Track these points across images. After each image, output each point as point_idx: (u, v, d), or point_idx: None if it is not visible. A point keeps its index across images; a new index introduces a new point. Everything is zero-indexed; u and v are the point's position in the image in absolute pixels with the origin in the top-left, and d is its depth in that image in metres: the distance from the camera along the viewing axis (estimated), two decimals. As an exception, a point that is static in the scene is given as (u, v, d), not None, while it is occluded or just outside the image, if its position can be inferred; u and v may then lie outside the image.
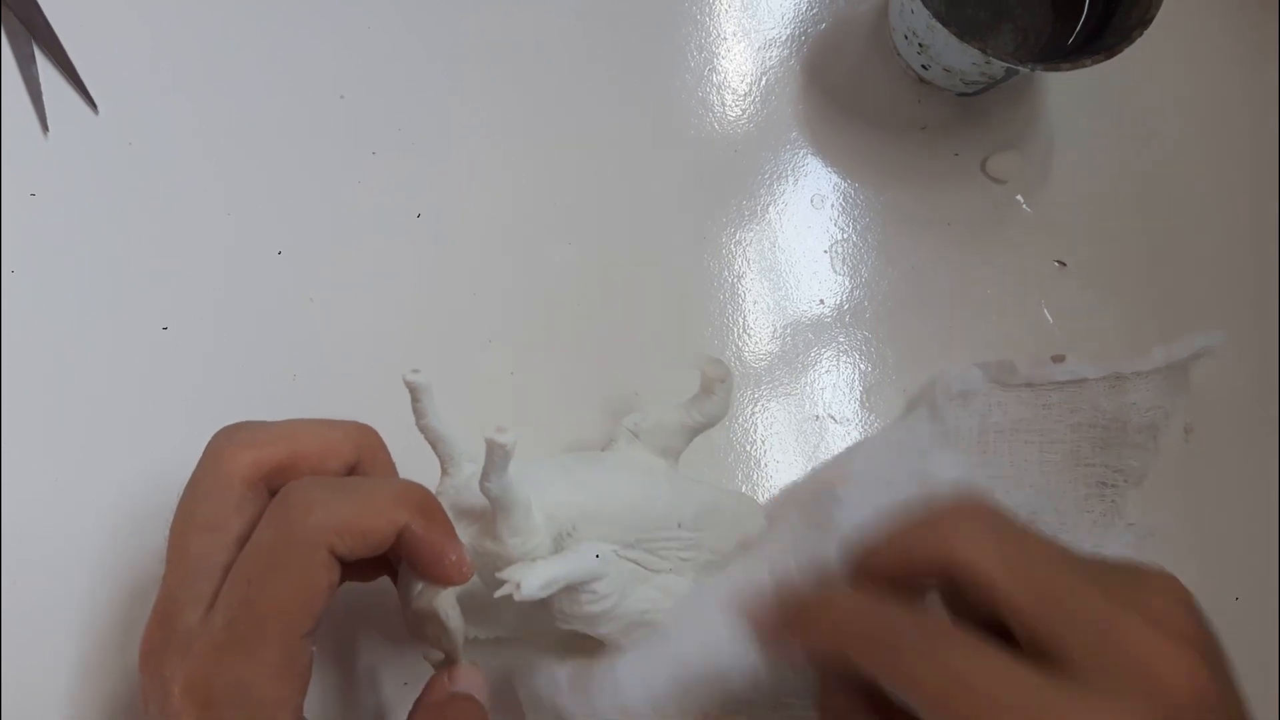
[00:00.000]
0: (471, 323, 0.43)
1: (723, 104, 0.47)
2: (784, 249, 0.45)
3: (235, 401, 0.39)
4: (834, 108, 0.48)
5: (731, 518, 0.36)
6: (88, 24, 0.45)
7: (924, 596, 0.32)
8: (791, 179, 0.46)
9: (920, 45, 0.45)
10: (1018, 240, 0.46)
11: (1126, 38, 0.41)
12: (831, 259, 0.46)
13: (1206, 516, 0.43)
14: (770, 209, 0.46)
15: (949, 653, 0.27)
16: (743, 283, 0.45)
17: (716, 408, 0.37)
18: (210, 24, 0.47)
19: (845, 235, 0.46)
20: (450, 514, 0.31)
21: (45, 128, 0.44)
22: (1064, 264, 0.46)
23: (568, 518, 0.32)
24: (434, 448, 0.33)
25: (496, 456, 0.29)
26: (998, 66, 0.42)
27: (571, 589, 0.30)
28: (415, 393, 0.31)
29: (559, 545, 0.32)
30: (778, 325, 0.44)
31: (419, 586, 0.31)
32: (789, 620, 0.32)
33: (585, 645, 0.34)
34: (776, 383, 0.44)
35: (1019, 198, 0.47)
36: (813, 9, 0.49)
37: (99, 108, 0.45)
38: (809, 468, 0.42)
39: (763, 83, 0.48)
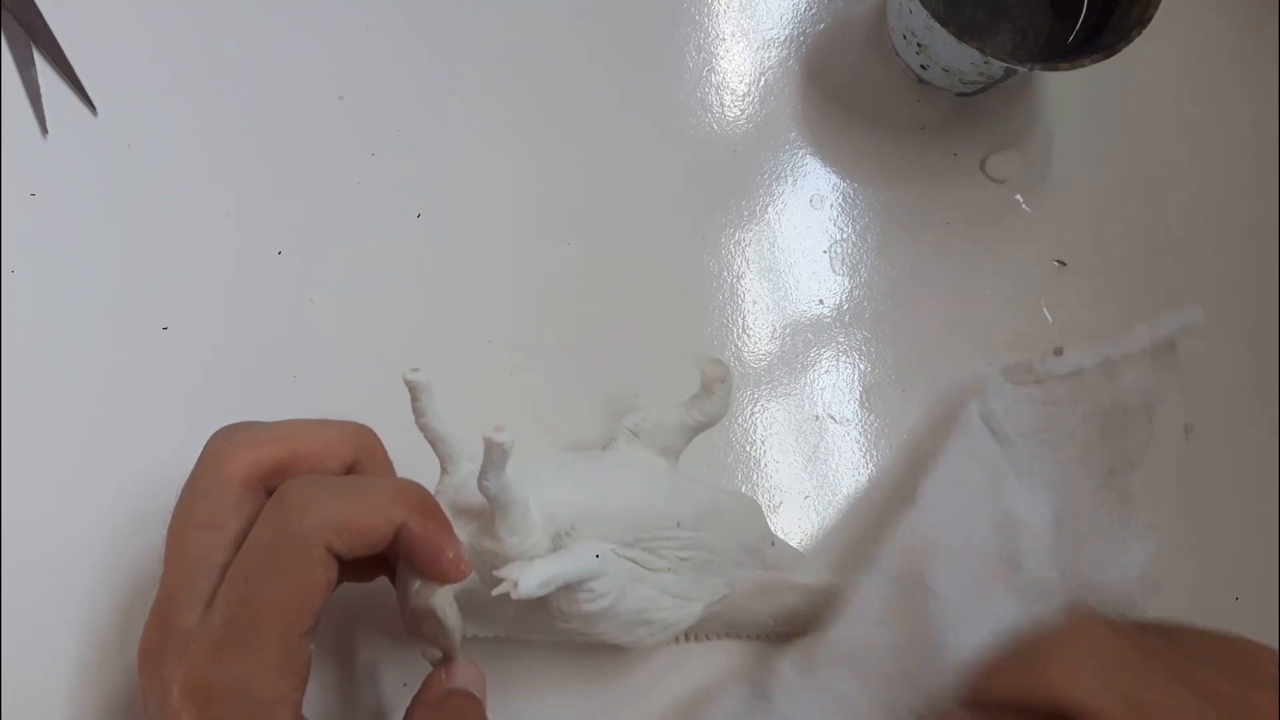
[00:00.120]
0: (471, 323, 0.43)
1: (722, 104, 0.47)
2: (783, 249, 0.45)
3: (235, 401, 0.39)
4: (833, 108, 0.48)
5: (731, 518, 0.36)
6: (87, 26, 0.46)
7: None
8: (790, 179, 0.46)
9: (919, 45, 0.45)
10: (1017, 240, 0.46)
11: (1125, 37, 0.41)
12: (831, 259, 0.46)
13: (1206, 516, 0.43)
14: (769, 209, 0.46)
15: None
16: (742, 283, 0.45)
17: (716, 407, 0.37)
18: (210, 24, 0.47)
19: (844, 235, 0.46)
20: (449, 512, 0.31)
21: (44, 129, 0.44)
22: (1063, 263, 0.46)
23: (566, 517, 0.32)
24: (433, 446, 0.33)
25: (494, 455, 0.29)
26: (996, 66, 0.42)
27: (570, 588, 0.30)
28: (415, 391, 0.31)
29: (557, 544, 0.32)
30: (777, 325, 0.44)
31: (416, 584, 0.31)
32: None
33: (585, 645, 0.35)
34: (776, 383, 0.44)
35: (1018, 197, 0.47)
36: (811, 9, 0.49)
37: (98, 108, 0.45)
38: (813, 468, 0.42)
39: (761, 83, 0.48)
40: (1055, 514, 0.38)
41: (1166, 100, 0.49)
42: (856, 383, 0.44)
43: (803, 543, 0.41)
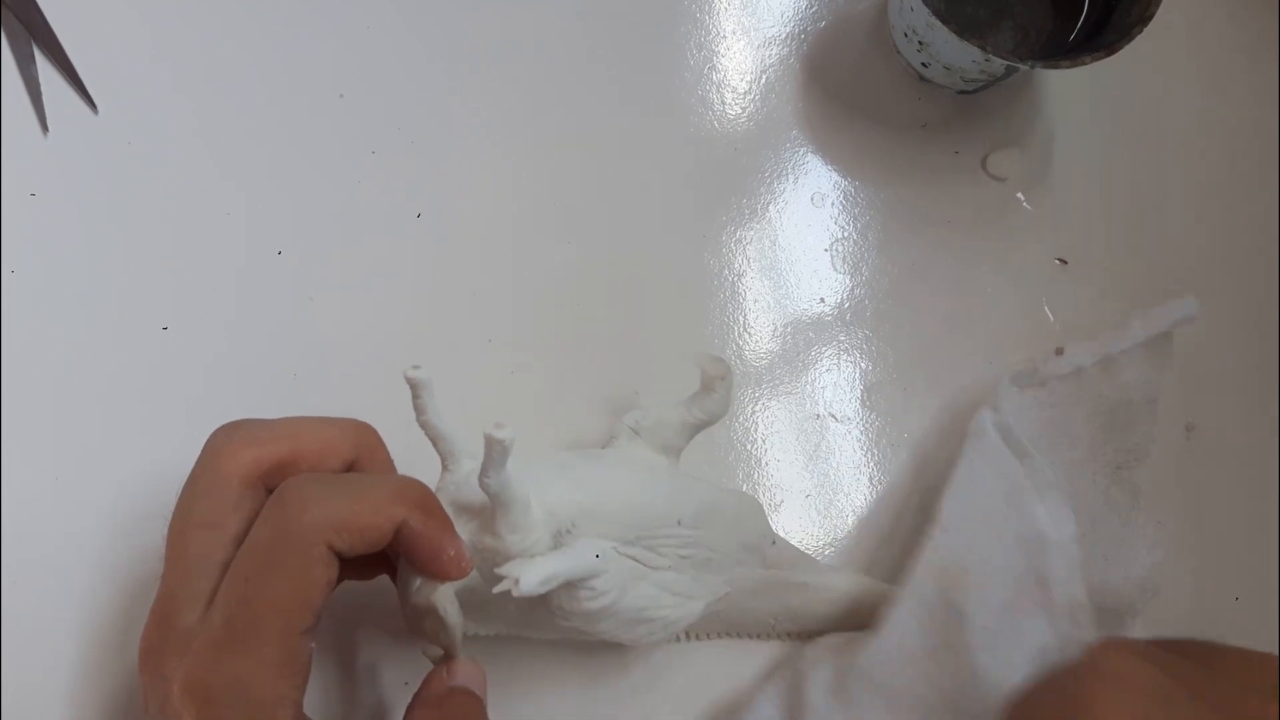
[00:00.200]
0: (471, 322, 0.43)
1: (722, 102, 0.47)
2: (784, 247, 0.45)
3: (235, 401, 0.39)
4: (834, 106, 0.47)
5: (732, 516, 0.36)
6: (88, 24, 0.46)
7: None
8: (791, 177, 0.46)
9: (920, 43, 0.45)
10: (1018, 238, 0.46)
11: (1126, 35, 0.41)
12: (832, 257, 0.46)
13: (1206, 516, 0.43)
14: (770, 207, 0.46)
15: None
16: (743, 281, 0.45)
17: (717, 405, 0.37)
18: (210, 24, 0.47)
19: (845, 233, 0.46)
20: (450, 510, 0.31)
21: (45, 128, 0.44)
22: (1065, 261, 0.46)
23: (567, 514, 0.32)
24: (434, 444, 0.33)
25: (495, 452, 0.29)
26: (998, 64, 0.42)
27: (570, 586, 0.30)
28: (416, 389, 0.31)
29: (558, 542, 0.32)
30: (778, 324, 0.44)
31: (417, 582, 0.31)
32: None
33: (585, 643, 0.35)
34: (777, 381, 0.44)
35: (1019, 195, 0.47)
36: (812, 7, 0.49)
37: (99, 108, 0.45)
38: (814, 467, 0.42)
39: (762, 81, 0.48)
40: (1077, 529, 0.38)
41: (1168, 98, 0.49)
42: (858, 381, 0.44)
43: (804, 541, 0.41)
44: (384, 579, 0.34)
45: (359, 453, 0.32)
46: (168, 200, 0.44)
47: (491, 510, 0.31)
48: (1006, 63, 0.41)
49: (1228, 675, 0.29)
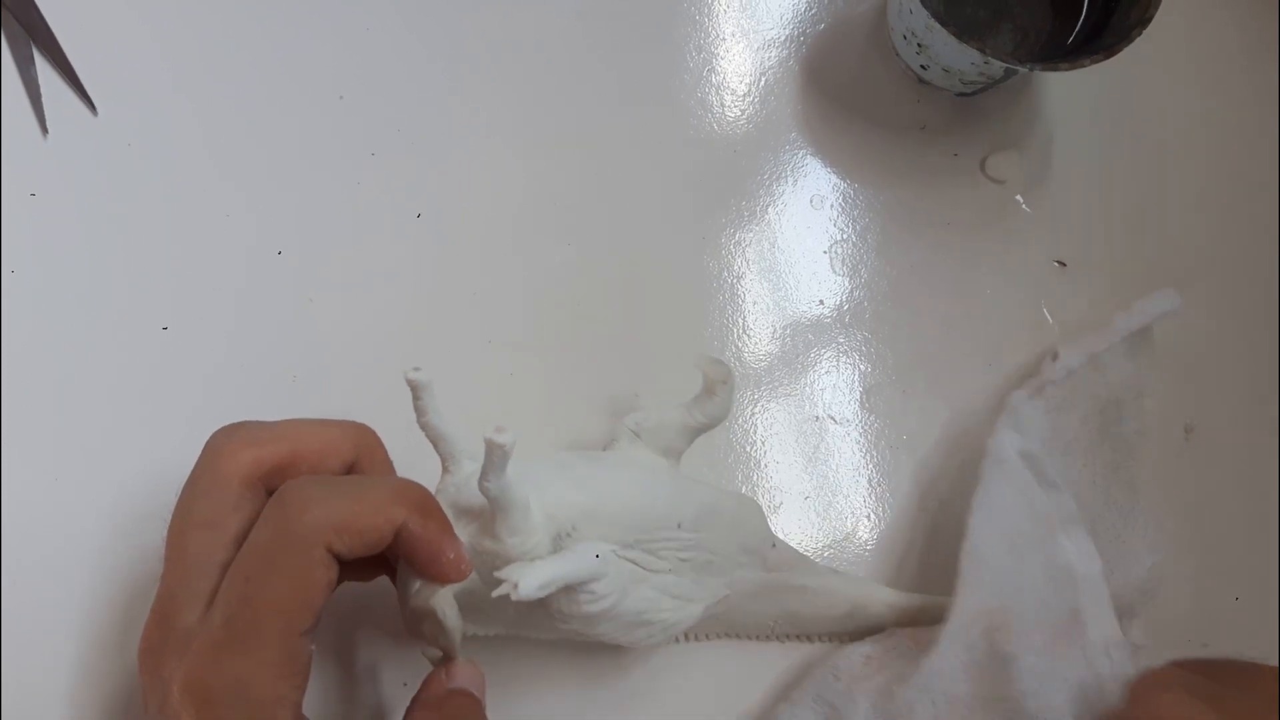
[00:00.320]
0: (471, 323, 0.43)
1: (722, 104, 0.47)
2: (783, 249, 0.45)
3: (235, 401, 0.39)
4: (833, 108, 0.48)
5: (732, 519, 0.36)
6: (87, 25, 0.46)
7: None
8: (791, 179, 0.46)
9: (919, 45, 0.45)
10: (1017, 240, 0.46)
11: (1126, 37, 0.41)
12: (831, 259, 0.46)
13: (1206, 516, 0.43)
14: (769, 209, 0.46)
15: None
16: (742, 283, 0.45)
17: (718, 408, 0.37)
18: (210, 24, 0.47)
19: (845, 235, 0.46)
20: (450, 512, 0.31)
21: (45, 129, 0.44)
22: (1063, 263, 0.46)
23: (567, 517, 0.32)
24: (435, 446, 0.33)
25: (495, 456, 0.29)
26: (997, 66, 0.42)
27: (570, 589, 0.30)
28: (416, 390, 0.31)
29: (558, 545, 0.32)
30: (777, 326, 0.44)
31: (417, 584, 0.31)
32: None
33: (585, 645, 0.35)
34: (776, 383, 0.44)
35: (1018, 197, 0.47)
36: (811, 9, 0.49)
37: (99, 109, 0.45)
38: (813, 469, 0.42)
39: (762, 83, 0.48)
40: (1104, 566, 0.37)
41: (1167, 100, 0.49)
42: (857, 383, 0.44)
43: (803, 543, 0.41)
44: (383, 580, 0.34)
45: (359, 454, 0.32)
46: (168, 201, 0.44)
47: (491, 513, 0.31)
48: (1005, 65, 0.41)
49: (1268, 696, 0.29)
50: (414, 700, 0.32)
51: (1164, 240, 0.47)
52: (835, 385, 0.44)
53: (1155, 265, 0.46)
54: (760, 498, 0.42)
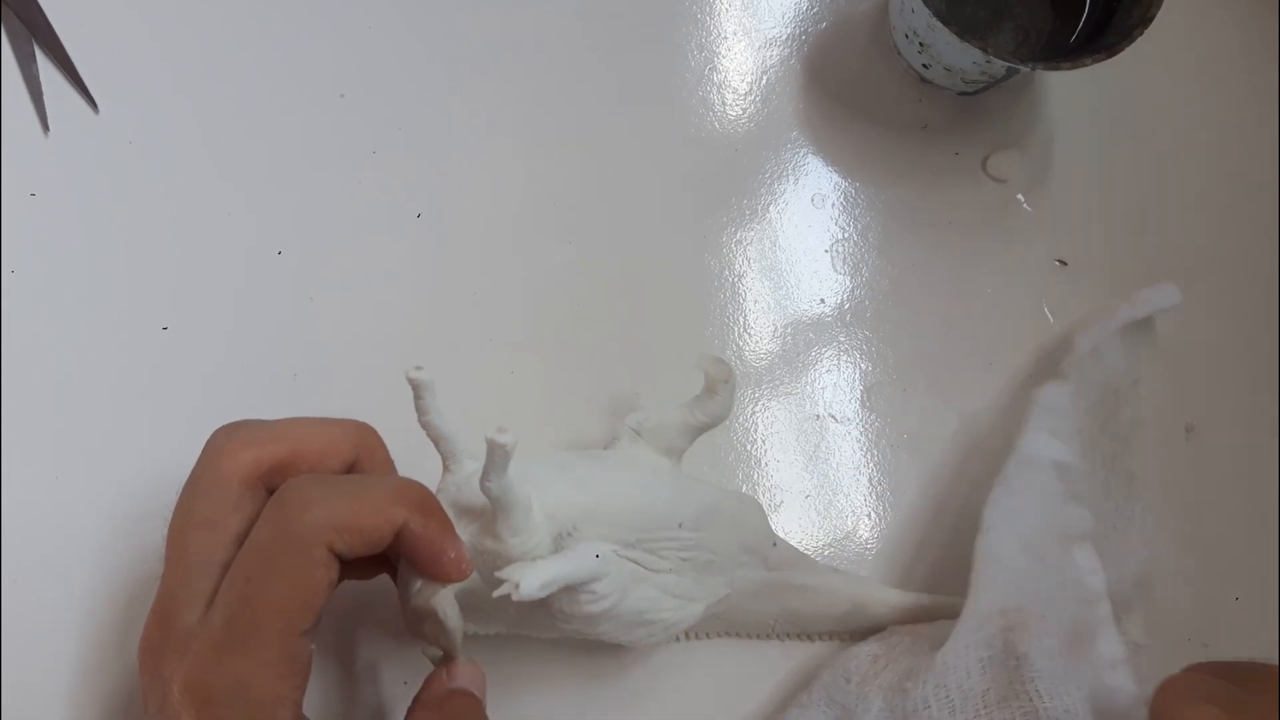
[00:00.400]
0: (472, 322, 0.43)
1: (723, 103, 0.47)
2: (785, 248, 0.45)
3: (236, 401, 0.39)
4: (835, 107, 0.47)
5: (733, 518, 0.36)
6: (88, 24, 0.46)
7: None
8: (792, 178, 0.46)
9: (921, 44, 0.45)
10: (1018, 239, 0.46)
11: (1127, 36, 0.41)
12: (832, 258, 0.46)
13: (1206, 516, 0.43)
14: (771, 208, 0.46)
15: None
16: (743, 282, 0.45)
17: (720, 408, 0.37)
18: (210, 24, 0.47)
19: (846, 234, 0.46)
20: (451, 512, 0.31)
21: (46, 127, 0.44)
22: (1065, 263, 0.46)
23: (568, 517, 0.32)
24: (436, 445, 0.33)
25: (497, 456, 0.28)
26: (998, 65, 0.42)
27: (571, 589, 0.30)
28: (418, 390, 0.31)
29: (559, 544, 0.32)
30: (778, 324, 0.44)
31: (418, 584, 0.31)
32: None
33: (585, 644, 0.34)
34: (777, 382, 0.44)
35: (1020, 197, 0.47)
36: (813, 8, 0.49)
37: (100, 107, 0.45)
38: (814, 468, 0.42)
39: (763, 82, 0.48)
40: (1106, 581, 0.37)
41: (1168, 100, 0.49)
42: (858, 382, 0.44)
43: (803, 542, 0.41)
44: (384, 578, 0.34)
45: (359, 453, 0.32)
46: (168, 200, 0.44)
47: (492, 513, 0.31)
48: (1007, 64, 0.41)
49: None
50: (415, 700, 0.32)
51: (1165, 239, 0.47)
52: (836, 384, 0.44)
53: (1156, 264, 0.46)
54: (761, 496, 0.42)
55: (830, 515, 0.42)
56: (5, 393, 0.41)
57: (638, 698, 0.39)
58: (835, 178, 0.47)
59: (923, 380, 0.44)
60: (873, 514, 0.42)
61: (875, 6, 0.49)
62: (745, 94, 0.48)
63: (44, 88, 0.44)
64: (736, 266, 0.45)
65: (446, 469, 0.33)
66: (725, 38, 0.48)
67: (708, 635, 0.39)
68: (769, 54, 0.48)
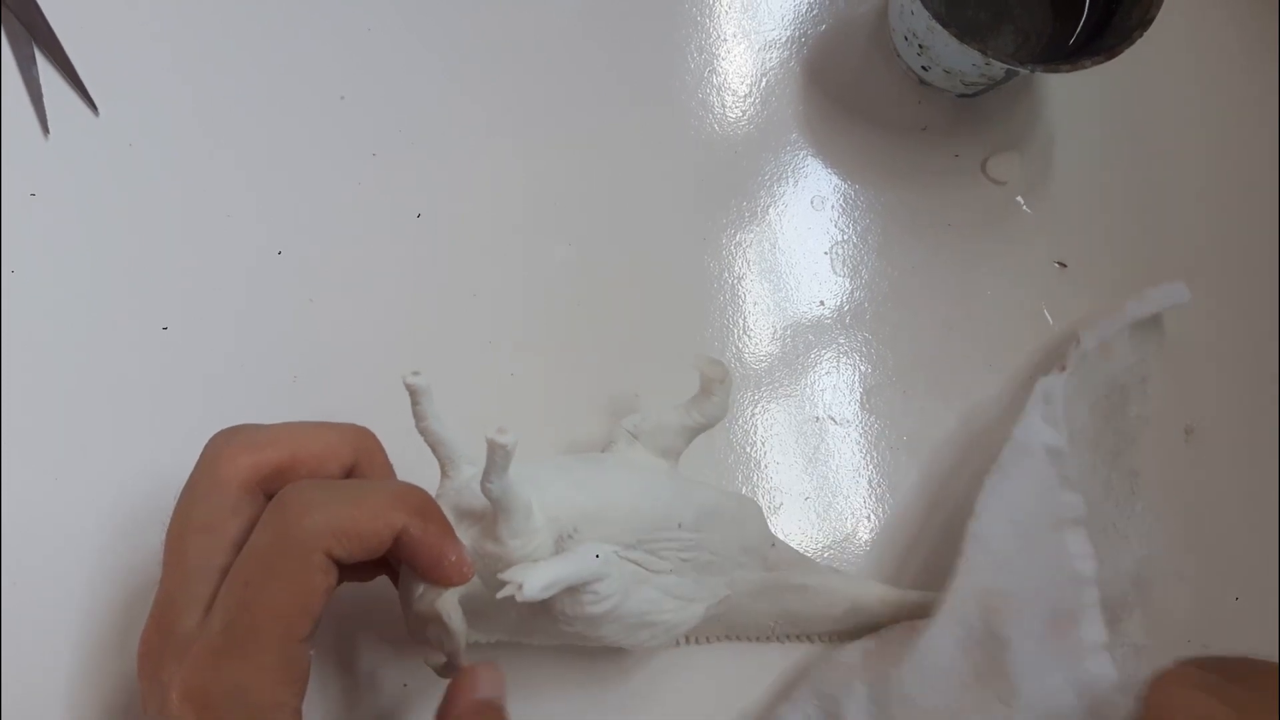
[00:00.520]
0: (471, 323, 0.43)
1: (723, 105, 0.47)
2: (784, 250, 0.45)
3: (235, 401, 0.39)
4: (834, 109, 0.48)
5: (732, 519, 0.36)
6: (88, 25, 0.46)
7: None
8: (792, 180, 0.46)
9: (920, 46, 0.45)
10: (1018, 241, 0.46)
11: (1127, 38, 0.41)
12: (832, 260, 0.46)
13: (1206, 516, 0.43)
14: (770, 210, 0.46)
15: None
16: (743, 284, 0.45)
17: (716, 408, 0.37)
18: (211, 24, 0.47)
19: (845, 236, 0.46)
20: (451, 515, 0.31)
21: (46, 129, 0.44)
22: (1064, 265, 0.46)
23: (569, 519, 0.32)
24: (434, 450, 0.33)
25: (497, 457, 0.28)
26: (998, 68, 0.42)
27: (573, 590, 0.30)
28: (415, 395, 0.31)
29: (560, 546, 0.32)
30: (778, 326, 0.44)
31: (420, 588, 0.31)
32: None
33: (586, 649, 0.34)
34: (777, 384, 0.44)
35: (1019, 199, 0.47)
36: (813, 10, 0.49)
37: (99, 109, 0.45)
38: (813, 470, 0.42)
39: (763, 84, 0.48)
40: (1097, 568, 0.37)
41: (1168, 101, 0.49)
42: (857, 384, 0.44)
43: (803, 543, 0.41)
44: (383, 582, 0.34)
45: (358, 457, 0.32)
46: (168, 201, 0.44)
47: (493, 516, 0.31)
48: (1007, 66, 0.41)
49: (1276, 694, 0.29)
50: (442, 714, 0.31)
51: (1165, 241, 0.47)
52: (836, 386, 0.44)
53: (1156, 266, 0.46)
54: (760, 498, 0.42)
55: (829, 517, 0.42)
56: (5, 393, 0.41)
57: (639, 701, 0.39)
58: (835, 180, 0.47)
59: (922, 382, 0.44)
60: (872, 515, 0.42)
61: (875, 9, 0.49)
62: (745, 96, 0.48)
63: (44, 89, 0.44)
64: (736, 268, 0.45)
65: (445, 474, 0.33)
66: (725, 40, 0.48)
67: (708, 639, 0.39)
68: (769, 56, 0.48)
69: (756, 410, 0.43)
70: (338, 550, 0.28)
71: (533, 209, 0.45)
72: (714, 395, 0.37)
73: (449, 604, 0.30)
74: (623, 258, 0.45)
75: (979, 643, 0.36)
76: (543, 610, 0.31)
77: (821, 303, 0.45)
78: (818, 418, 0.43)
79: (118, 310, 0.42)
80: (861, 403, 0.44)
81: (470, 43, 0.47)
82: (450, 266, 0.44)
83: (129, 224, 0.44)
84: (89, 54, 0.45)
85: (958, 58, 0.43)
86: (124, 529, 0.39)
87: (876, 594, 0.40)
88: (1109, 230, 0.47)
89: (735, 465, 0.42)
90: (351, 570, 0.31)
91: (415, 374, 0.31)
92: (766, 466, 0.42)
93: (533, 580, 0.29)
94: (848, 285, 0.45)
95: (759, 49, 0.48)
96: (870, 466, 0.43)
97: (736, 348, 0.44)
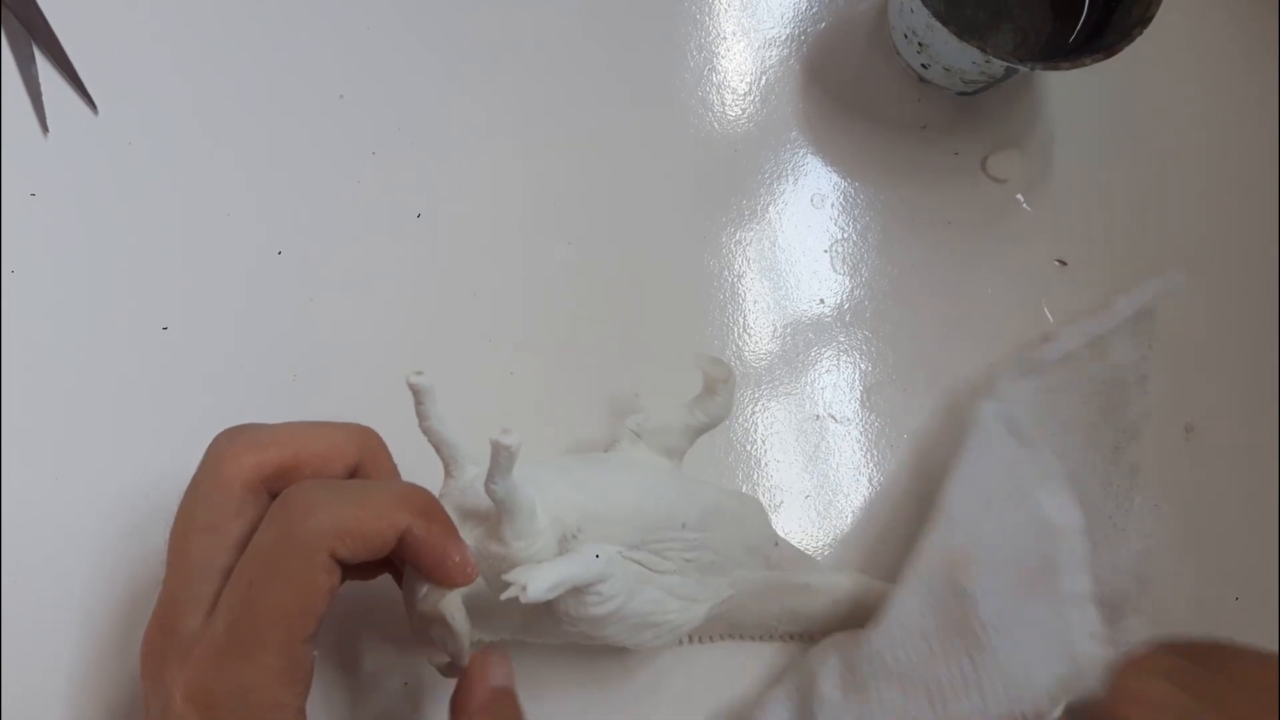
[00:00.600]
0: (471, 323, 0.43)
1: (722, 103, 0.47)
2: (784, 248, 0.45)
3: (236, 401, 0.39)
4: (834, 107, 0.48)
5: (735, 518, 0.37)
6: (88, 24, 0.45)
7: None
8: (791, 178, 0.46)
9: (920, 44, 0.45)
10: (1018, 239, 0.46)
11: (1126, 36, 0.41)
12: (832, 258, 0.46)
13: (1206, 516, 0.43)
14: (770, 208, 0.46)
15: None
16: (743, 282, 0.45)
17: (719, 408, 0.37)
18: (211, 23, 0.46)
19: (845, 234, 0.46)
20: (455, 516, 0.31)
21: (45, 128, 0.44)
22: (1064, 263, 0.46)
23: (572, 519, 0.32)
24: (437, 450, 0.33)
25: (501, 458, 0.28)
26: (997, 65, 0.42)
27: (577, 591, 0.30)
28: (419, 395, 0.31)
29: (564, 547, 0.32)
30: (778, 325, 0.44)
31: (424, 589, 0.31)
32: None
33: (589, 648, 0.34)
34: (777, 382, 0.44)
35: (1019, 197, 0.47)
36: (812, 8, 0.49)
37: (99, 108, 0.45)
38: (814, 468, 0.42)
39: (762, 82, 0.48)
40: (1084, 519, 0.38)
41: (1168, 99, 0.49)
42: (857, 382, 0.44)
43: (803, 541, 0.42)
44: (385, 581, 0.34)
45: (363, 457, 0.32)
46: (168, 200, 0.44)
47: (497, 516, 0.31)
48: (1006, 64, 0.41)
49: (1247, 681, 0.29)
50: (458, 705, 0.31)
51: (1164, 239, 0.47)
52: (836, 384, 0.44)
53: (1156, 264, 0.46)
54: (761, 496, 0.42)
55: (830, 515, 0.42)
56: (5, 393, 0.41)
57: (642, 700, 0.39)
58: (834, 178, 0.47)
59: (922, 380, 0.44)
60: (872, 513, 0.42)
61: (874, 7, 0.49)
62: (745, 94, 0.48)
63: (43, 89, 0.44)
64: (736, 266, 0.45)
65: (448, 474, 0.33)
66: (724, 38, 0.48)
67: (710, 639, 0.39)
68: (768, 54, 0.48)
69: (756, 408, 0.43)
70: (341, 551, 0.28)
71: (533, 208, 0.45)
72: (718, 395, 0.37)
73: (453, 605, 0.30)
74: (623, 257, 0.45)
75: (942, 599, 0.36)
76: (546, 611, 0.31)
77: (821, 301, 0.45)
78: (818, 416, 0.43)
79: (118, 310, 0.42)
80: (862, 401, 0.44)
81: (470, 42, 0.47)
82: (450, 266, 0.44)
83: (129, 224, 0.43)
84: (88, 53, 0.45)
85: (957, 55, 0.43)
86: (124, 529, 0.39)
87: (878, 592, 0.40)
88: (1109, 228, 0.47)
89: (735, 463, 0.42)
90: (355, 569, 0.31)
91: (419, 374, 0.31)
92: (767, 465, 0.42)
93: (537, 582, 0.29)
94: (848, 283, 0.45)
95: (758, 47, 0.48)
96: (871, 465, 0.43)
97: (736, 346, 0.44)
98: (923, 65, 0.46)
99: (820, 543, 0.42)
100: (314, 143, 0.45)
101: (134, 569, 0.39)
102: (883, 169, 0.47)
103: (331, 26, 0.47)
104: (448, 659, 0.32)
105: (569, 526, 0.32)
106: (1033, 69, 0.41)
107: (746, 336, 0.44)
